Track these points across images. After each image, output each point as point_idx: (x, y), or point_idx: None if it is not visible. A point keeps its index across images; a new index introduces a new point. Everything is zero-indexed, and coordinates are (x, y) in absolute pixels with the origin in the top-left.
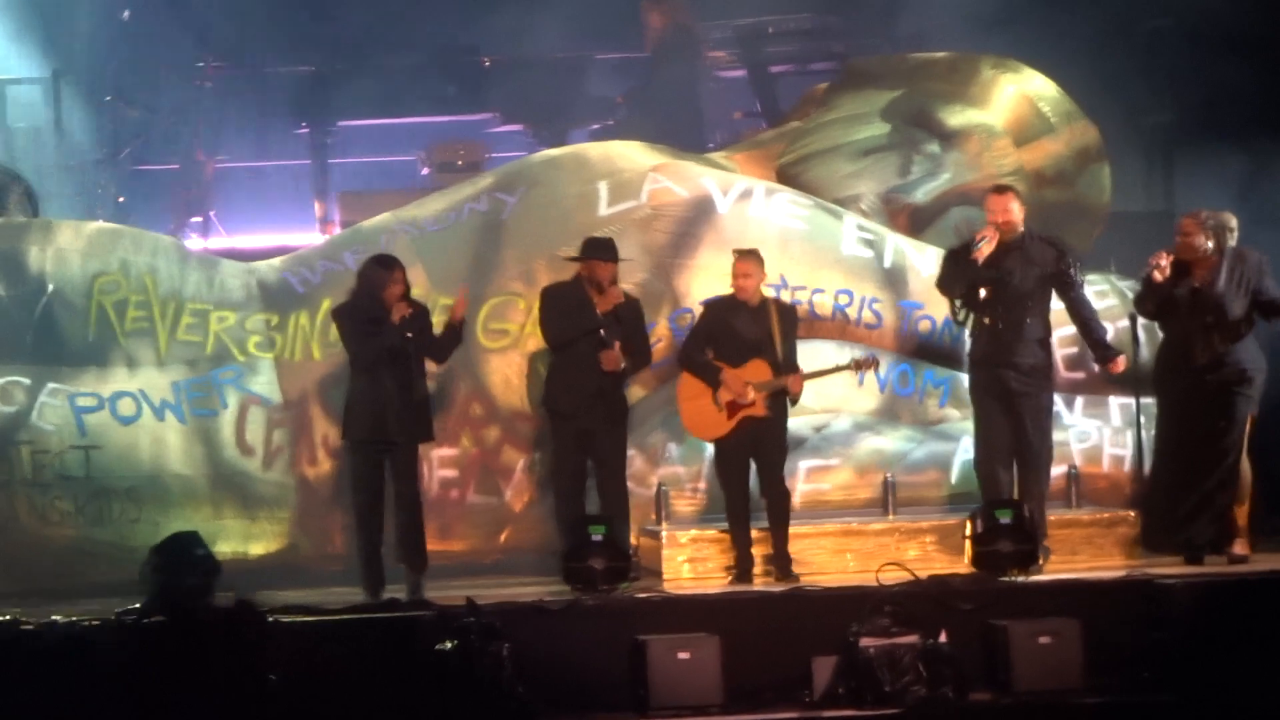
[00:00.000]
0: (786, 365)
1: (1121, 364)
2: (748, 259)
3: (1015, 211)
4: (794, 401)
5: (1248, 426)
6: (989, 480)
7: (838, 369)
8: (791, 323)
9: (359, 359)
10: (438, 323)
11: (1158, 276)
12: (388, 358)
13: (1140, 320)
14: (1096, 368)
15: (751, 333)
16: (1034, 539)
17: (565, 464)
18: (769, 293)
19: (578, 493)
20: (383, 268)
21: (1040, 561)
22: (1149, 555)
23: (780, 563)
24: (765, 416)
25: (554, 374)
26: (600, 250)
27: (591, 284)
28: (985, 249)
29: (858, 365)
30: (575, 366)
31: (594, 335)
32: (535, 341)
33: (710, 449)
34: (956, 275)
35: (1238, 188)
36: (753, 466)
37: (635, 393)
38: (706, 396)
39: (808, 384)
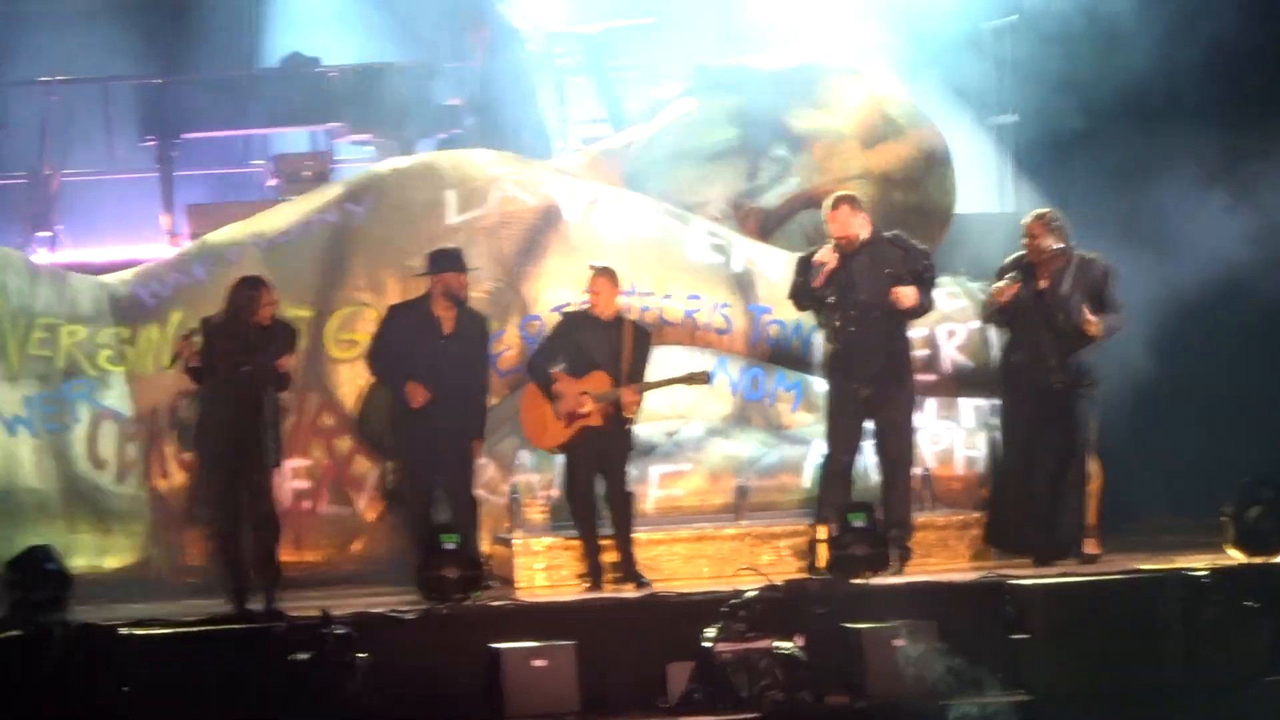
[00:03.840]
0: (631, 380)
1: (909, 293)
2: (599, 276)
3: (853, 223)
4: (627, 415)
5: (1092, 426)
6: (839, 484)
7: (671, 382)
8: (644, 342)
9: (212, 378)
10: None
11: (1002, 300)
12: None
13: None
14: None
15: (599, 348)
16: (886, 542)
17: (413, 480)
18: (628, 314)
19: (425, 505)
20: (251, 289)
21: (899, 565)
22: (999, 557)
23: (627, 567)
24: (602, 426)
25: (399, 400)
26: (449, 262)
27: (445, 296)
28: (824, 274)
29: (691, 378)
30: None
31: (436, 349)
32: None
33: (562, 457)
34: (798, 295)
35: (1083, 188)
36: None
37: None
38: (546, 406)
39: (648, 394)
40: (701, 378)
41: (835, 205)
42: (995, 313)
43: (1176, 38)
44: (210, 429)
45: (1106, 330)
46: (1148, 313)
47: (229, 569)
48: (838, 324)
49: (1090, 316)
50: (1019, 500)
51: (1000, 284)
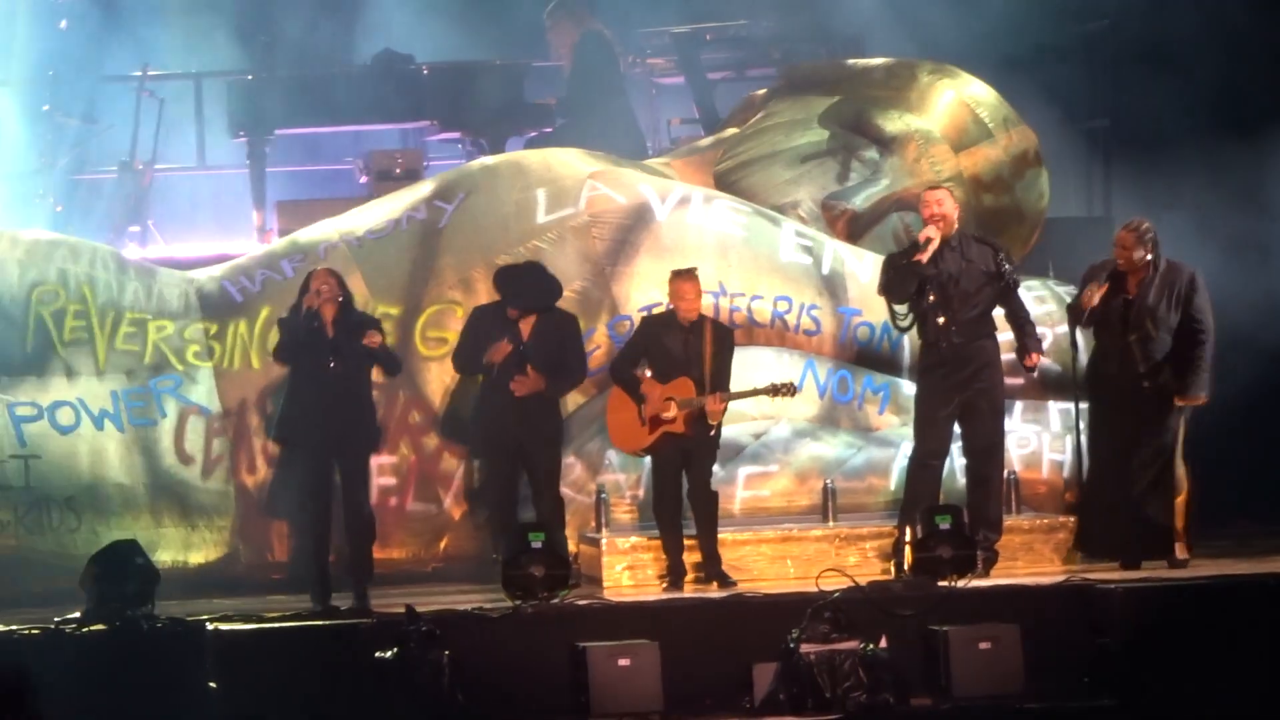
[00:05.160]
0: (714, 384)
1: (1035, 360)
2: (686, 280)
3: (951, 207)
4: (712, 422)
5: (1181, 433)
6: (928, 483)
7: (755, 393)
8: (726, 344)
9: (282, 360)
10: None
11: (1089, 303)
12: (306, 357)
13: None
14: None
15: (682, 351)
16: (972, 545)
17: (496, 478)
18: (708, 312)
19: (509, 504)
20: (306, 279)
21: (985, 568)
22: (1087, 561)
23: (710, 565)
24: (686, 432)
25: (484, 392)
26: (523, 301)
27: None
28: (929, 248)
29: (775, 390)
30: (503, 382)
31: (515, 354)
32: None
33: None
34: (901, 279)
35: (1172, 196)
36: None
37: (574, 399)
38: (632, 410)
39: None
40: (787, 389)
41: (935, 186)
42: (1083, 318)
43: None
44: (291, 412)
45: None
46: (1246, 319)
47: (317, 564)
48: (940, 322)
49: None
50: (1109, 507)
51: (1089, 289)
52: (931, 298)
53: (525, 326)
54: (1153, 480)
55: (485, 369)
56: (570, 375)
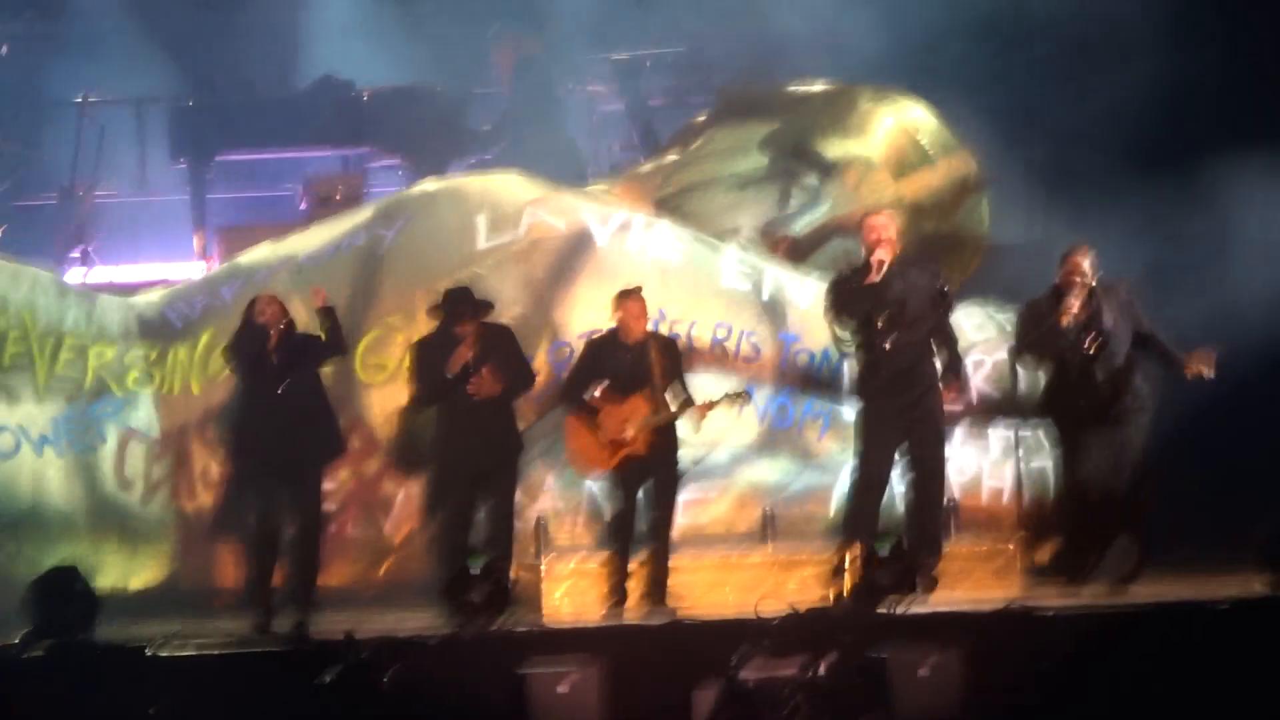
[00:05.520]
0: (679, 395)
1: (954, 393)
2: (632, 299)
3: (894, 230)
4: (699, 421)
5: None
6: (867, 511)
7: (713, 405)
8: (674, 356)
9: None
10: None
11: (1066, 320)
12: (254, 379)
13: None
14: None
15: (630, 371)
16: (912, 570)
17: (453, 503)
18: (649, 328)
19: (463, 529)
20: (249, 306)
21: (925, 593)
22: (1029, 584)
23: (657, 592)
24: (648, 452)
25: (443, 418)
26: (460, 308)
27: (458, 337)
28: (881, 270)
29: (733, 399)
30: (458, 405)
31: (465, 376)
32: None
33: (589, 482)
34: (851, 302)
35: (1108, 219)
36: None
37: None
38: (589, 435)
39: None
40: (743, 397)
41: (878, 211)
42: (1029, 353)
43: (1216, 62)
44: (245, 427)
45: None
46: (1185, 340)
47: (258, 588)
48: (886, 346)
49: (1199, 359)
50: (1087, 530)
51: (1068, 301)
52: (878, 322)
53: (465, 350)
54: (1127, 499)
55: (446, 393)
56: (521, 380)
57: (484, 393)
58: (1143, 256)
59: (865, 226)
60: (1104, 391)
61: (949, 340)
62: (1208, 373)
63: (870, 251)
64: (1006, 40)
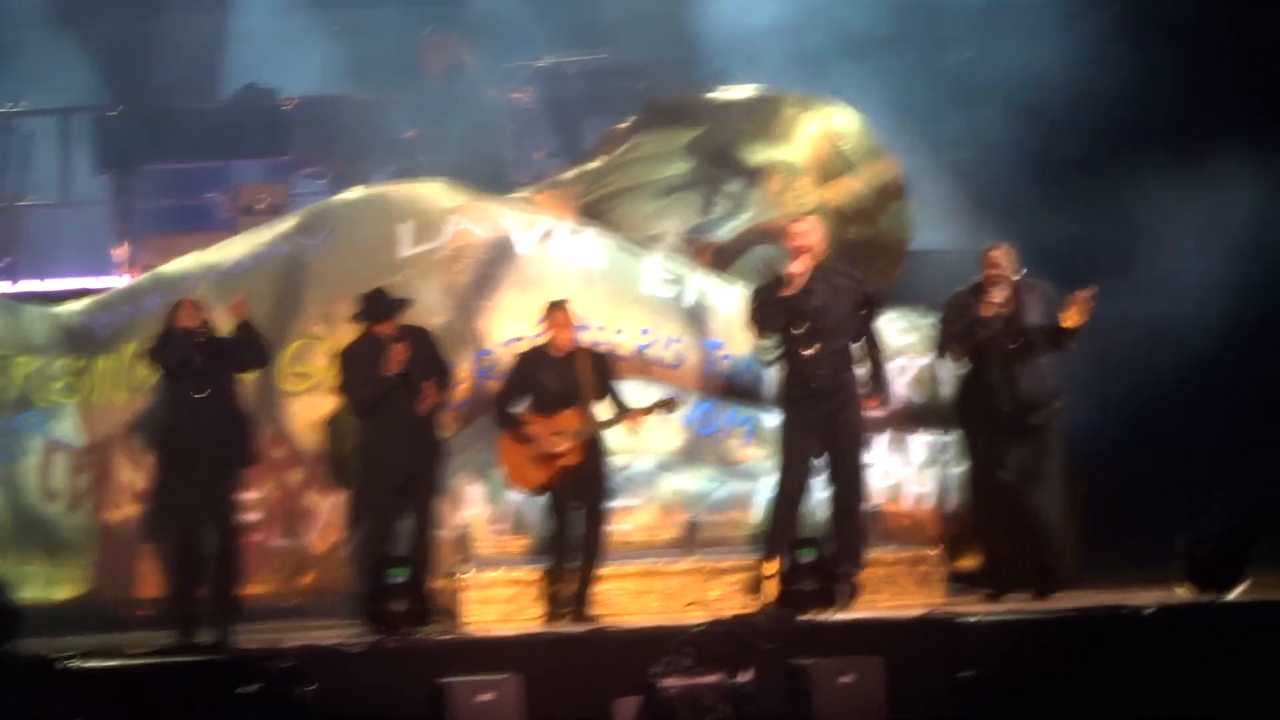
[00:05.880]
0: (611, 406)
1: (874, 404)
2: (560, 310)
3: (817, 238)
4: (632, 430)
5: (1059, 452)
6: (789, 519)
7: (643, 411)
8: (604, 367)
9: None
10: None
11: (989, 311)
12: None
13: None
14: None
15: (560, 384)
16: (834, 578)
17: (379, 512)
18: (584, 342)
19: (389, 539)
20: (170, 311)
21: (848, 601)
22: (952, 592)
23: (581, 601)
24: (581, 463)
25: (370, 425)
26: (377, 308)
27: (384, 339)
28: (798, 281)
29: (662, 406)
30: (385, 411)
31: (399, 384)
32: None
33: (513, 494)
34: (770, 313)
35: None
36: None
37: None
38: (522, 449)
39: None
40: (673, 403)
41: (802, 218)
42: (953, 344)
43: (1144, 61)
44: (180, 455)
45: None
46: (1110, 346)
47: (182, 597)
48: (807, 354)
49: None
50: (1006, 536)
51: (990, 292)
52: (800, 330)
53: (399, 347)
54: (1044, 504)
55: (385, 395)
56: (446, 384)
57: (428, 406)
58: (1066, 259)
59: (788, 234)
60: (1023, 391)
61: (874, 349)
62: (1081, 318)
63: (791, 259)
64: (933, 43)
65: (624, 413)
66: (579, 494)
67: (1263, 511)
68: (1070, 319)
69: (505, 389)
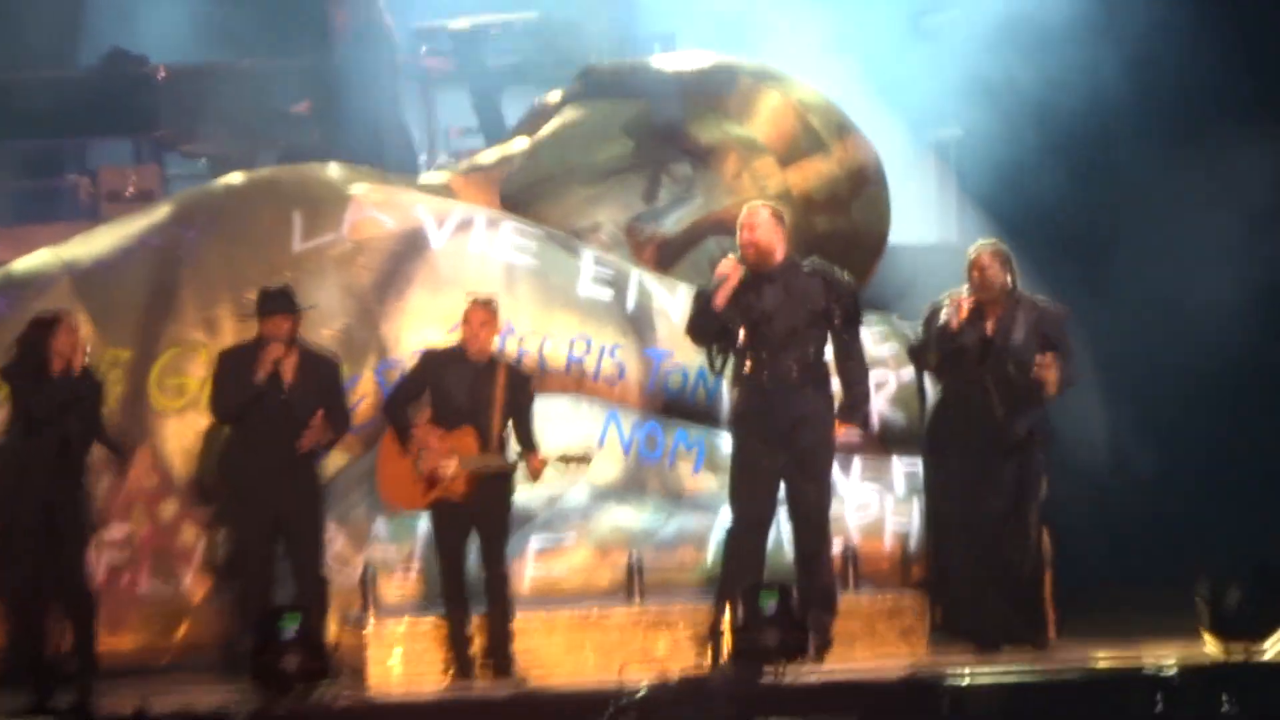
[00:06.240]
0: (522, 441)
1: (853, 434)
2: (476, 308)
3: (768, 232)
4: (533, 481)
5: (1042, 488)
6: (748, 556)
7: (543, 463)
8: (522, 393)
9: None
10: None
11: (955, 322)
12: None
13: (927, 372)
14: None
15: (468, 395)
16: (803, 628)
17: (248, 552)
18: (507, 354)
19: (263, 582)
20: (43, 328)
21: (818, 655)
22: (940, 645)
23: (500, 659)
24: (464, 500)
25: (233, 446)
26: (275, 303)
27: (275, 342)
28: (726, 289)
29: (565, 460)
30: (257, 436)
31: (275, 402)
32: None
33: (424, 525)
34: (700, 320)
35: (1038, 216)
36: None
37: (335, 460)
38: (404, 462)
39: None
40: (582, 461)
41: (754, 210)
42: (932, 355)
43: (1145, 44)
44: (15, 494)
45: (1065, 382)
46: (1106, 361)
47: (32, 658)
48: (748, 368)
49: (1048, 363)
50: (973, 580)
51: (953, 304)
52: (740, 338)
53: (288, 367)
54: (1025, 549)
55: (249, 402)
56: (334, 425)
57: (308, 442)
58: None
59: (740, 224)
60: (1000, 418)
61: (847, 363)
62: (1050, 379)
63: (743, 252)
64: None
65: (527, 451)
66: (469, 533)
67: None
68: (1049, 386)
69: (402, 385)
